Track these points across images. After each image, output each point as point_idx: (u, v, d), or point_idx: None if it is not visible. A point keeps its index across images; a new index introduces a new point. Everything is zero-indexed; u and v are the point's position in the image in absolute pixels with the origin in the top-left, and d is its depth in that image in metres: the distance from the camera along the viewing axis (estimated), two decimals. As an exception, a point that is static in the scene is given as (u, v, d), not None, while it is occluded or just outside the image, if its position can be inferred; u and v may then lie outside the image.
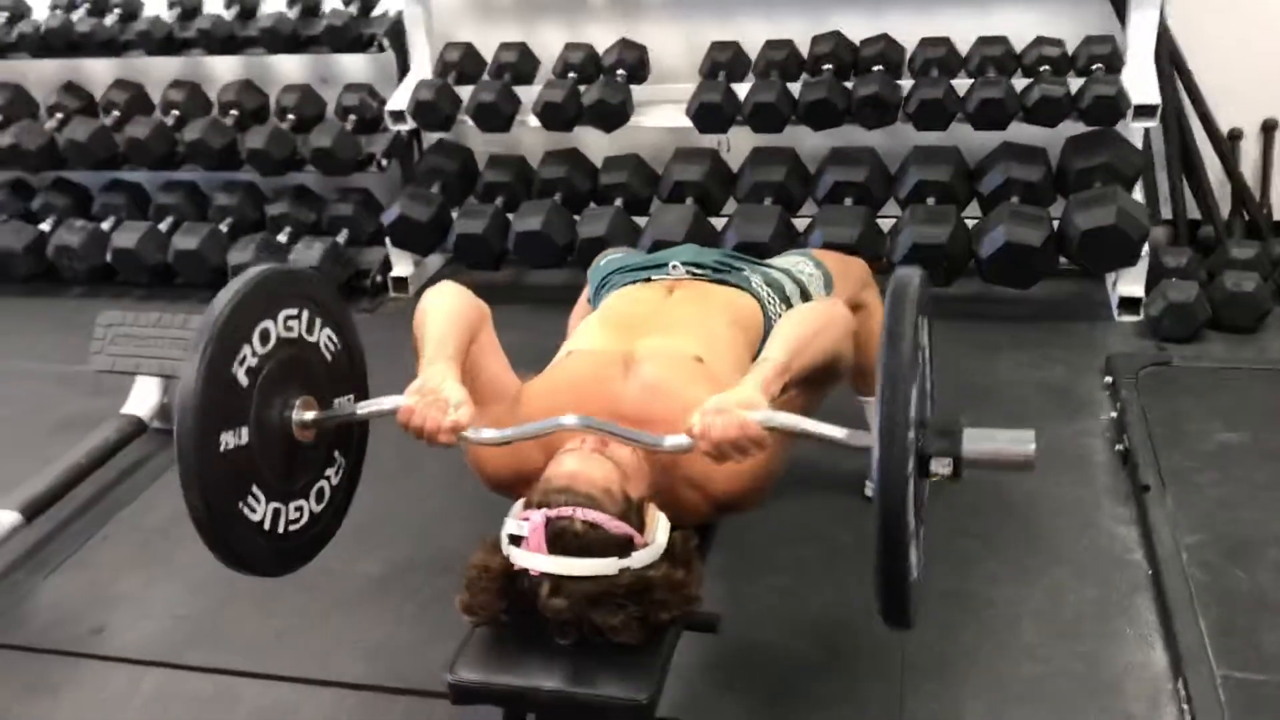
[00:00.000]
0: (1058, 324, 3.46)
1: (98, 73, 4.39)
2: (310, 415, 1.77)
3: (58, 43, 4.17)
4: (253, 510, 1.67)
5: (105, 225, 4.19)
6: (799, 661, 2.24)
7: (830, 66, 3.64)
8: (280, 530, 1.74)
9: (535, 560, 1.55)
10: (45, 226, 4.24)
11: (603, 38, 3.91)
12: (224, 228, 4.08)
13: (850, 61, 3.64)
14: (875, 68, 3.60)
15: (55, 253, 4.15)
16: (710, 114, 3.60)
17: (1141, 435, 2.71)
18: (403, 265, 4.01)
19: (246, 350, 1.67)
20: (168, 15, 4.14)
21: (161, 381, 3.13)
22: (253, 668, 2.29)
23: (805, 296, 2.31)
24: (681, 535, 1.67)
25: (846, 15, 3.76)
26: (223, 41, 4.05)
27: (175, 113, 4.17)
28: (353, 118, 4.01)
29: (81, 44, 4.16)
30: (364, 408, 1.83)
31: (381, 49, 3.97)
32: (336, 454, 1.89)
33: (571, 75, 3.81)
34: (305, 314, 1.80)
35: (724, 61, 3.73)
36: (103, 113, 4.27)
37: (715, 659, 2.24)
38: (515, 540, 1.58)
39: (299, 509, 1.78)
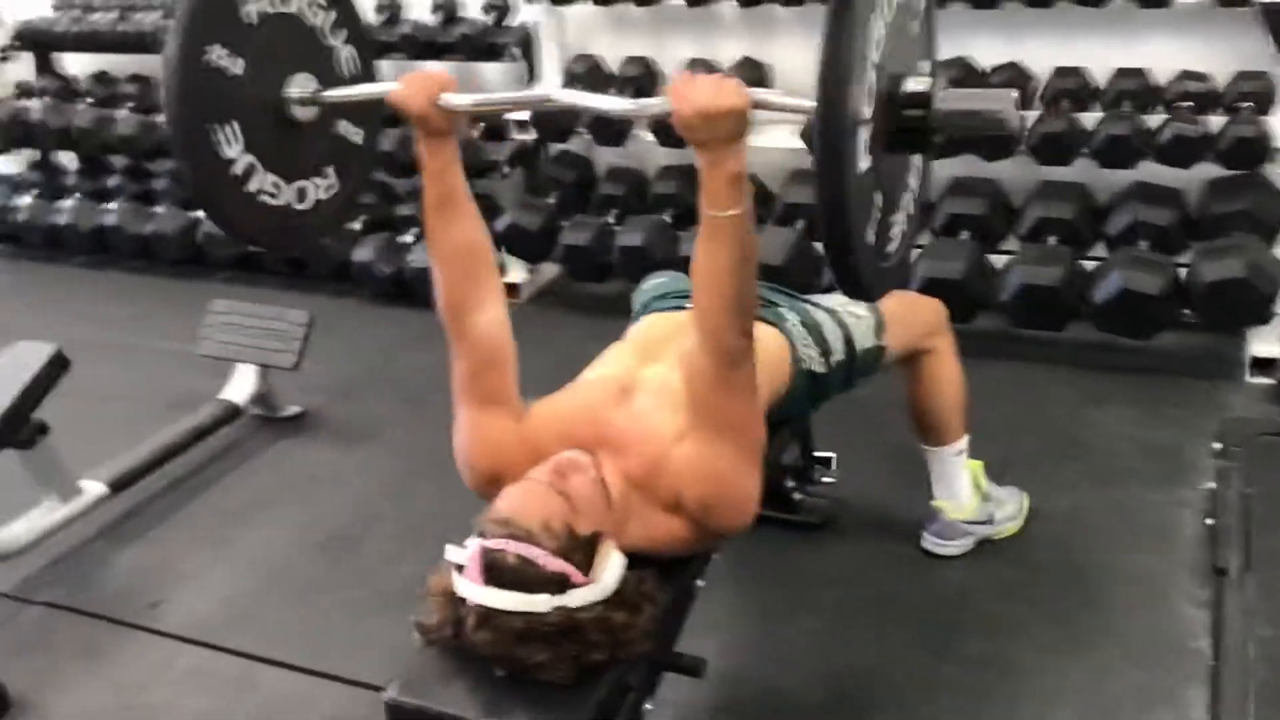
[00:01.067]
0: (1179, 380, 3.21)
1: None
2: (310, 88, 1.88)
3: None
4: (226, 145, 1.78)
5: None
6: (814, 713, 2.15)
7: (956, 93, 3.48)
8: (249, 187, 1.85)
9: (470, 590, 1.53)
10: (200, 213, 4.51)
11: (733, 54, 3.87)
12: (356, 225, 4.24)
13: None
14: (1002, 96, 3.42)
15: (203, 239, 4.40)
16: (822, 137, 3.50)
17: (1237, 511, 2.49)
18: (516, 272, 4.07)
19: None
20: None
21: (259, 370, 3.27)
22: (279, 656, 2.36)
23: (849, 342, 2.21)
24: (636, 576, 1.62)
25: (983, 39, 3.59)
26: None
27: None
28: (480, 125, 4.10)
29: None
30: (360, 90, 1.93)
31: (513, 58, 4.04)
32: (331, 171, 2.00)
33: (692, 91, 3.78)
34: (335, 12, 1.94)
35: (846, 83, 3.61)
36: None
37: (727, 701, 2.17)
38: (460, 568, 1.57)
39: (275, 185, 1.89)
